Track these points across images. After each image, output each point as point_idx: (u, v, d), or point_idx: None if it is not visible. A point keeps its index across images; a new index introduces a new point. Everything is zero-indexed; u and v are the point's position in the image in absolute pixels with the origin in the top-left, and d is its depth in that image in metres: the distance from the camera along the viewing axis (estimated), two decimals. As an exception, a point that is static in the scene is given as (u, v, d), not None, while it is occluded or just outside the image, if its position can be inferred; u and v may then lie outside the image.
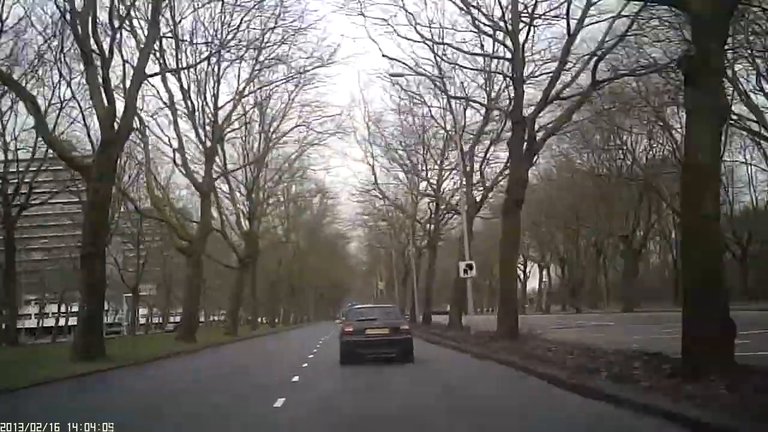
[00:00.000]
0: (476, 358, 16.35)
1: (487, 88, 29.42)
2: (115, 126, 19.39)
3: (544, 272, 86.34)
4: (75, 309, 62.75)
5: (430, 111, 33.69)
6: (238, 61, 30.91)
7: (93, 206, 19.03)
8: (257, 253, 54.10)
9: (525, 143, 19.87)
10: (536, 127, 20.14)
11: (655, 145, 47.60)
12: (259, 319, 77.36)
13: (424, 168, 39.56)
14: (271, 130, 38.90)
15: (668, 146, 45.33)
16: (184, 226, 31.62)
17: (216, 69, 30.81)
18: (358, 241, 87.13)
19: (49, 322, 75.65)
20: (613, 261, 71.25)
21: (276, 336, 43.80)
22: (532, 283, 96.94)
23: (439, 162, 38.02)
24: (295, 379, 13.09)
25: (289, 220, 61.44)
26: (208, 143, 30.92)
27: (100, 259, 19.02)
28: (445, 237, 52.65)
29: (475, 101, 28.53)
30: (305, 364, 16.93)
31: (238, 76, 32.85)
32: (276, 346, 28.68)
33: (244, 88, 31.81)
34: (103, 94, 19.33)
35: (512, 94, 21.13)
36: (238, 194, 42.06)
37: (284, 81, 33.50)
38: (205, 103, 31.05)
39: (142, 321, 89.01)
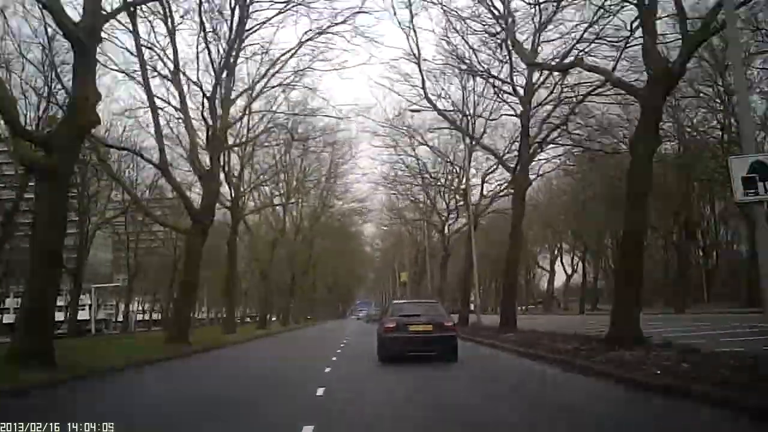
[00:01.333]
0: None
1: None
2: None
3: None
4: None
5: None
6: None
7: None
8: (239, 217, 37.70)
9: None
10: None
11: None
12: (258, 316, 60.90)
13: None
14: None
15: None
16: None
17: None
18: (373, 224, 70.85)
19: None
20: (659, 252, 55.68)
21: (252, 348, 27.07)
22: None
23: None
24: None
25: (288, 176, 44.62)
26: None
27: None
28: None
29: None
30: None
31: None
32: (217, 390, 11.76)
33: None
34: None
35: None
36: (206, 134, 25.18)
37: None
38: None
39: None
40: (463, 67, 25.51)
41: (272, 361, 18.62)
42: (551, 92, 23.87)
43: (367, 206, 55.28)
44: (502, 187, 31.45)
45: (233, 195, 35.84)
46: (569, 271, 75.28)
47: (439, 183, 40.78)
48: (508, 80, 23.69)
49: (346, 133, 50.52)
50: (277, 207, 47.89)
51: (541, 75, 23.69)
